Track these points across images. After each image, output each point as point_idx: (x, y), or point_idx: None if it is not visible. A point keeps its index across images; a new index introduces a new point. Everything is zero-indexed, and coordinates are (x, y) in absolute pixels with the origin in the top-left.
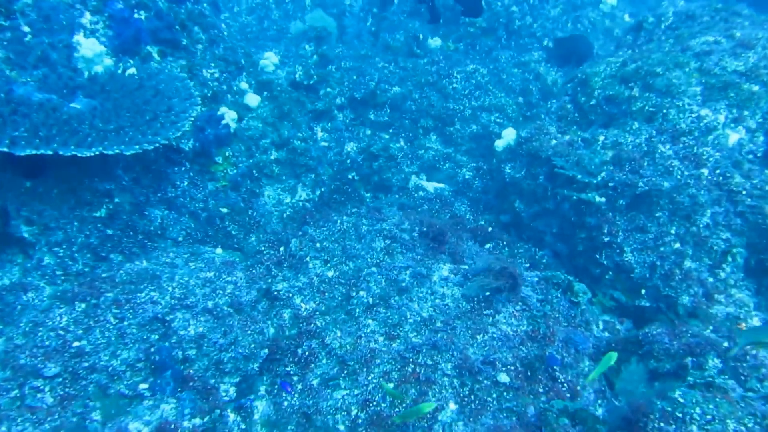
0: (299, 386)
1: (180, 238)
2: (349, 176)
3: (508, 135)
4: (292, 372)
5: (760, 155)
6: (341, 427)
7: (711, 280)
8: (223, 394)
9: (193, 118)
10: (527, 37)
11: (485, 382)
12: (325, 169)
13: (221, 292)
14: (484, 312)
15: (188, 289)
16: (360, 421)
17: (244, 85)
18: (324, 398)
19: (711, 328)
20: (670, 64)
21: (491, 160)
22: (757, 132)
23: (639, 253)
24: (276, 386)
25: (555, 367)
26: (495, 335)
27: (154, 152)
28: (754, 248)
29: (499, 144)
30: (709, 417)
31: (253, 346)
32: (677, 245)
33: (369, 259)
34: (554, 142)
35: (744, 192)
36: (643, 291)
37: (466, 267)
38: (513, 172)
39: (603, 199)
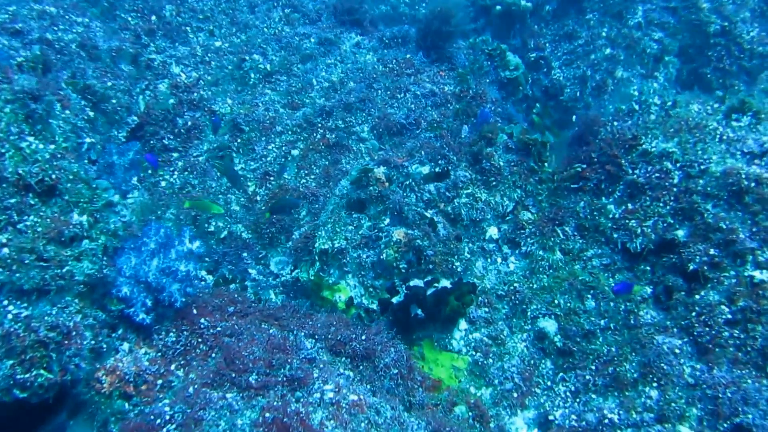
0: (180, 164)
1: None
2: None
3: None
4: (171, 146)
5: None
6: (236, 207)
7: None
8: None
9: None
10: None
11: (408, 143)
12: None
13: (66, 27)
14: (406, 71)
15: (16, 15)
16: (259, 198)
17: None
18: (213, 176)
19: None
20: None
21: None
22: None
23: (568, 68)
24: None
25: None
26: (418, 93)
27: None
28: (687, 55)
29: None
30: (669, 102)
31: (115, 102)
32: (608, 50)
33: (265, 30)
34: None
35: None
36: (574, 117)
37: (379, 34)
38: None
39: (529, 5)
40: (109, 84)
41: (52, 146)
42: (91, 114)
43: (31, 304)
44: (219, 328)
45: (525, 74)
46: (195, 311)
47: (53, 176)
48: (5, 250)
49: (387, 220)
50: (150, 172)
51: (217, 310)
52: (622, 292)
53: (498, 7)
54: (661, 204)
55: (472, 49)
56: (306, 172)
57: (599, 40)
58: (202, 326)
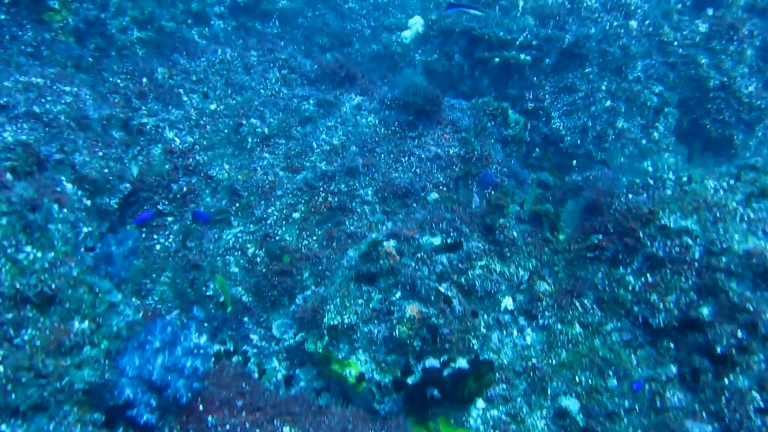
0: (175, 227)
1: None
2: None
3: (416, 23)
4: (166, 210)
5: (689, 4)
6: (235, 269)
7: (644, 141)
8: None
9: None
10: None
11: (414, 205)
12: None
13: (54, 98)
14: (409, 135)
15: (1, 90)
16: (259, 260)
17: None
18: (210, 238)
19: None
20: None
21: (396, 70)
22: None
23: (568, 118)
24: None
25: (489, 188)
26: (423, 156)
27: None
28: (686, 106)
29: (406, 34)
30: (684, 178)
31: (107, 172)
32: (609, 102)
33: (262, 91)
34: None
35: (675, 43)
36: (574, 162)
37: (380, 96)
38: (424, 57)
39: (528, 58)
40: (100, 154)
41: (51, 253)
42: (88, 203)
43: (26, 421)
44: (227, 427)
45: (525, 125)
46: (201, 407)
47: (53, 286)
48: (0, 368)
49: (398, 294)
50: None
51: (225, 405)
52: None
53: (496, 60)
54: (683, 279)
55: (474, 109)
56: (308, 233)
57: (599, 93)
58: (209, 425)
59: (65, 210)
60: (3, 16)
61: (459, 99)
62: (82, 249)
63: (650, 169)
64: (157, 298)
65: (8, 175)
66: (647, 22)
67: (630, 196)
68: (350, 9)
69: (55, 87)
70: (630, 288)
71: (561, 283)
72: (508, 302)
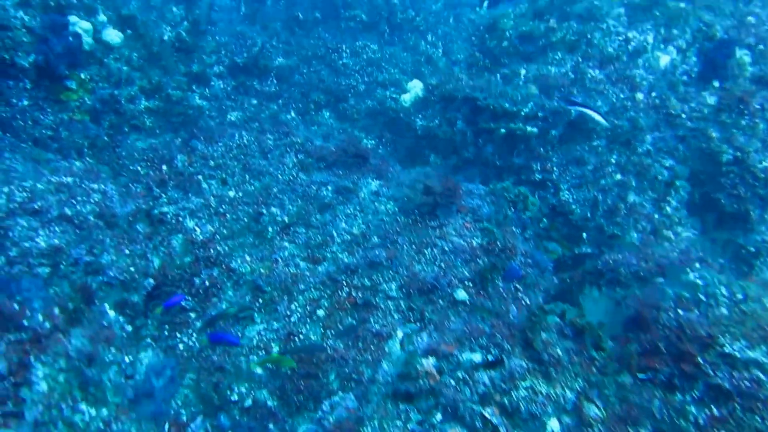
0: (198, 324)
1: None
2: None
3: (415, 87)
4: (188, 306)
5: (694, 76)
6: (259, 370)
7: (657, 216)
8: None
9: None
10: (410, 32)
11: (440, 302)
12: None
13: (84, 198)
14: (429, 224)
15: (35, 192)
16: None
17: (102, 17)
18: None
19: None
20: None
21: (396, 128)
22: (689, 51)
23: (577, 190)
24: (165, 326)
25: (515, 282)
26: (446, 249)
27: None
28: (697, 179)
29: (406, 98)
30: (739, 295)
31: (132, 270)
32: (619, 176)
33: (279, 176)
34: (471, 83)
35: (683, 115)
36: (584, 234)
37: (397, 180)
38: (425, 122)
39: (535, 130)
40: (127, 252)
41: (105, 410)
42: (129, 329)
43: None
44: None
45: (541, 209)
46: None
47: None
48: None
49: (439, 416)
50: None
51: None
52: None
53: (502, 131)
54: (758, 419)
55: (492, 195)
56: (333, 332)
57: (609, 167)
58: None
59: (113, 349)
60: (26, 102)
61: (475, 183)
62: (125, 383)
63: (699, 282)
64: (180, 402)
65: (56, 310)
66: (653, 94)
67: (680, 311)
68: (344, 65)
69: (83, 185)
70: (693, 420)
71: (613, 408)
72: (554, 425)
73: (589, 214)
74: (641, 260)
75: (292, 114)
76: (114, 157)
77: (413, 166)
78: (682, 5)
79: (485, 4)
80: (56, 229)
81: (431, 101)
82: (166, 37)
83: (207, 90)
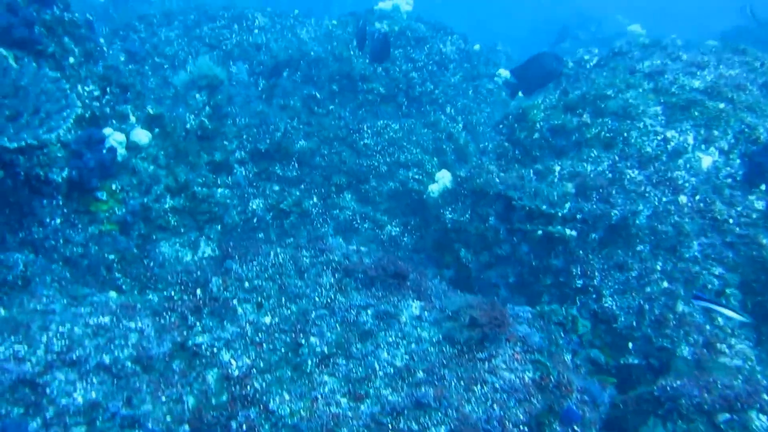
0: None
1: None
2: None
3: (444, 177)
4: None
5: (739, 179)
6: None
7: (708, 327)
8: None
9: (72, 120)
10: (428, 104)
11: None
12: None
13: (122, 342)
14: (477, 356)
15: (73, 339)
16: None
17: (132, 119)
18: None
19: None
20: (621, 85)
21: (421, 214)
22: (732, 153)
23: (621, 297)
24: None
25: (575, 426)
26: (497, 386)
27: (11, 179)
28: (749, 288)
29: (434, 188)
30: None
31: (169, 419)
32: (666, 284)
33: (317, 299)
34: (502, 175)
35: (731, 221)
36: (630, 344)
37: (439, 304)
38: (455, 216)
39: (574, 233)
40: (163, 399)
41: None
42: None
43: None
44: None
45: (591, 332)
46: None
47: None
48: None
49: None
50: None
51: None
52: None
53: (539, 233)
54: None
55: (541, 319)
56: None
57: (654, 274)
58: None
59: None
60: (59, 220)
61: (522, 306)
62: None
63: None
64: None
65: None
66: (698, 197)
67: None
68: (365, 145)
69: (121, 325)
70: None
71: None
72: None
73: (634, 323)
74: (703, 391)
75: (314, 199)
76: (143, 270)
77: (443, 258)
78: (722, 105)
79: (519, 93)
80: (94, 380)
81: (461, 195)
82: (188, 126)
83: (229, 178)
